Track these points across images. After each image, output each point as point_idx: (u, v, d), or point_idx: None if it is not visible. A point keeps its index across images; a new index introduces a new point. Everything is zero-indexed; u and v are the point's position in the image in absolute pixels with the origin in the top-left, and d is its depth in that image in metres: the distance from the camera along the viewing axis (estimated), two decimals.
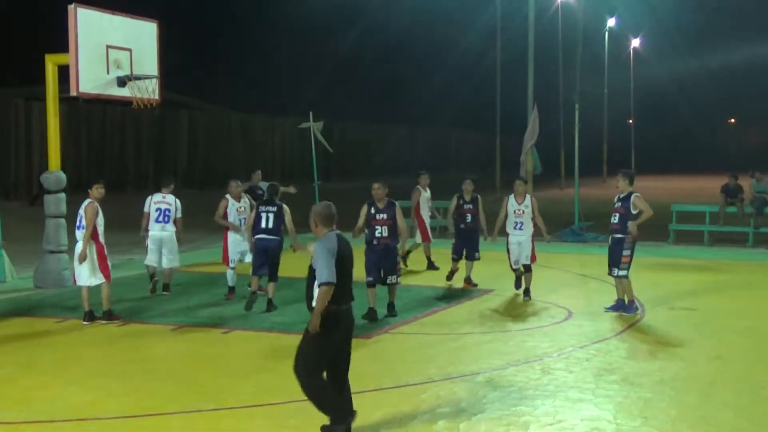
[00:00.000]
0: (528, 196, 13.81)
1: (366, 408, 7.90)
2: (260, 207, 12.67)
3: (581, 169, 24.28)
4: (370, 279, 11.90)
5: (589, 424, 7.54)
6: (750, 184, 22.33)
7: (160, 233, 13.71)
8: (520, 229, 13.68)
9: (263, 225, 12.43)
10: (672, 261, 18.01)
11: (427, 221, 17.17)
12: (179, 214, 13.83)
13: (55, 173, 14.91)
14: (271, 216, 12.50)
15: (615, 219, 12.30)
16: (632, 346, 10.37)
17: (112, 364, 9.53)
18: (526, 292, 13.59)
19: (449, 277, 15.08)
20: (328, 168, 40.67)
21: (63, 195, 15.01)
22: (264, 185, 18.63)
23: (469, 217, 14.80)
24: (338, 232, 7.13)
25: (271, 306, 12.38)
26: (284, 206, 12.66)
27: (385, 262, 11.97)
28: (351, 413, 7.12)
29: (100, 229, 11.74)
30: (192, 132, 45.69)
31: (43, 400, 8.20)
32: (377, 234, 11.97)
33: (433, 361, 9.66)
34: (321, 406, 7.08)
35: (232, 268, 13.56)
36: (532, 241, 13.77)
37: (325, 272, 6.81)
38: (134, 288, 14.39)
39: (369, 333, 11.06)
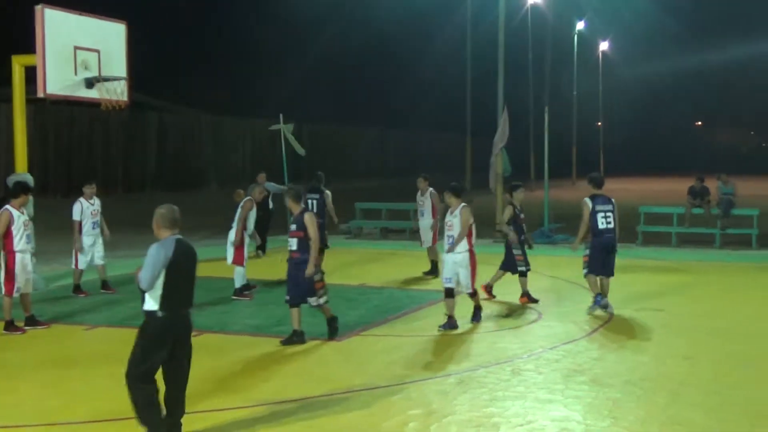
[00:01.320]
0: (459, 207, 11.69)
1: (336, 410, 7.91)
2: (307, 194, 14.71)
3: (551, 171, 24.42)
4: (287, 297, 10.71)
5: (559, 424, 7.58)
6: (716, 185, 22.58)
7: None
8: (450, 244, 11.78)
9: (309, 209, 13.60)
10: (640, 262, 18.16)
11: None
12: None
13: (22, 175, 14.73)
14: (314, 202, 15.20)
15: None
16: (601, 347, 10.44)
17: (80, 369, 9.44)
18: (476, 313, 11.98)
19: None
20: (298, 170, 40.48)
21: (30, 197, 14.82)
22: (270, 185, 19.03)
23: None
24: (179, 236, 6.94)
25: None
26: (326, 192, 15.67)
27: (304, 280, 10.54)
28: None
29: (15, 239, 11.23)
30: (161, 134, 45.38)
31: (11, 405, 8.11)
32: (288, 247, 10.81)
33: (403, 363, 9.67)
34: (141, 418, 6.87)
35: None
36: (471, 262, 11.73)
37: (145, 280, 6.79)
38: (100, 293, 14.27)
39: (340, 335, 11.05)
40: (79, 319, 12.11)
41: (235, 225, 13.91)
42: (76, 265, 13.98)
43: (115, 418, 7.73)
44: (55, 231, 19.62)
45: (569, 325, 11.71)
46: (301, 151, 22.31)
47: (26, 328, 11.29)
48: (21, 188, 11.66)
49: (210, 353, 10.04)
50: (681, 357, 9.98)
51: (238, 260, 13.80)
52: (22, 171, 14.78)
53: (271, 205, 19.80)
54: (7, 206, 11.34)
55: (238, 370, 9.35)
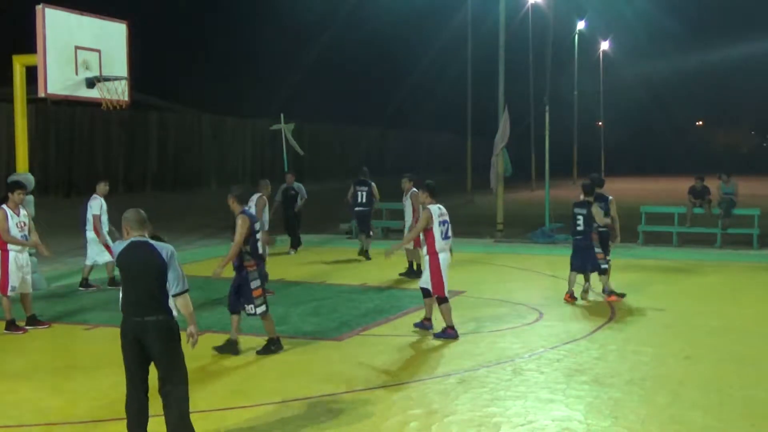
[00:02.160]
0: (426, 206, 11.26)
1: (337, 409, 7.91)
2: (356, 186, 18.08)
3: (552, 170, 24.42)
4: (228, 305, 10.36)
5: (560, 424, 7.58)
6: (717, 185, 22.58)
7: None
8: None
9: (359, 200, 17.83)
10: (641, 262, 18.16)
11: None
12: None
13: (22, 175, 14.72)
14: (364, 193, 17.99)
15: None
16: (602, 347, 10.44)
17: (80, 369, 9.44)
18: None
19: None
20: (299, 170, 40.53)
21: (31, 197, 14.82)
22: (296, 186, 19.46)
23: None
24: (137, 238, 6.75)
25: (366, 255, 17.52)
26: (372, 183, 18.22)
27: (240, 287, 10.08)
28: None
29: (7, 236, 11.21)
30: (162, 133, 45.42)
31: (12, 405, 8.11)
32: None
33: (404, 363, 9.67)
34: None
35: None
36: (431, 266, 11.04)
37: None
38: (103, 292, 14.28)
39: (339, 335, 11.06)
40: (80, 319, 12.12)
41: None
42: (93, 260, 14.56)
43: (115, 418, 7.72)
44: (56, 231, 19.62)
45: (570, 324, 11.71)
46: (300, 151, 22.34)
47: (27, 327, 11.29)
48: (11, 187, 11.58)
49: (210, 353, 10.04)
50: (682, 357, 9.98)
51: None
52: (22, 171, 14.79)
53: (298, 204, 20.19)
54: (2, 206, 11.34)
55: (239, 370, 9.34)
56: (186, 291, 6.78)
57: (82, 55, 14.44)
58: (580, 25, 58.72)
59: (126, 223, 6.82)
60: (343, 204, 19.68)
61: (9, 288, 11.22)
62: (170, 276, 6.68)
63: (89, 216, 14.62)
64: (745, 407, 8.08)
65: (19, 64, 14.55)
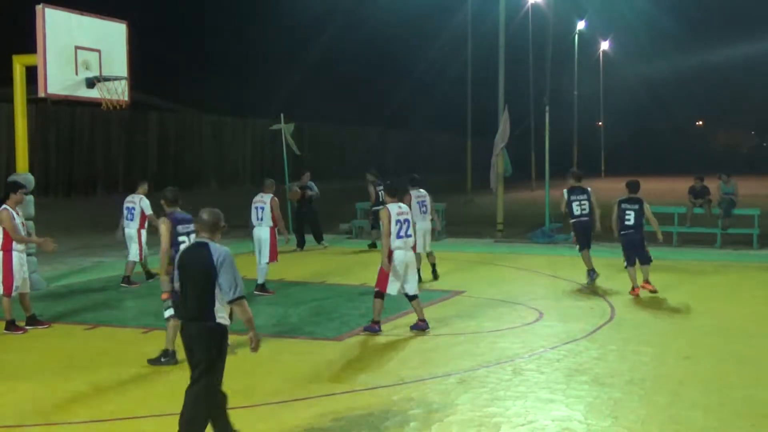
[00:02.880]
0: (386, 206, 11.39)
1: (337, 409, 7.91)
2: (375, 187, 16.66)
3: (552, 170, 24.42)
4: None
5: (560, 424, 7.58)
6: (717, 185, 22.56)
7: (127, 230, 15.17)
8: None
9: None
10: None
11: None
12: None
13: (22, 175, 14.72)
14: (381, 192, 15.18)
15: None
16: (602, 347, 10.44)
17: (80, 368, 9.44)
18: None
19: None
20: (299, 170, 40.54)
21: (31, 197, 14.84)
22: (312, 185, 19.72)
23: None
24: (201, 239, 6.79)
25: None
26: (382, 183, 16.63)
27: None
28: None
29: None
30: (162, 133, 45.41)
31: (11, 405, 8.11)
32: None
33: (404, 363, 9.67)
34: None
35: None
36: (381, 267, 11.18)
37: None
38: (105, 291, 14.28)
39: (340, 335, 11.06)
40: (80, 319, 12.12)
41: (267, 224, 14.19)
42: (141, 255, 15.04)
43: (115, 418, 7.73)
44: (56, 231, 19.62)
45: (570, 324, 11.71)
46: (297, 151, 22.36)
47: (27, 327, 11.29)
48: (11, 187, 11.57)
49: None
50: (682, 357, 9.98)
51: (273, 258, 14.16)
52: (22, 171, 14.79)
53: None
54: (6, 206, 11.33)
55: (239, 370, 9.33)
56: (241, 298, 6.54)
57: (82, 55, 14.45)
58: (580, 25, 58.78)
59: (198, 223, 6.87)
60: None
61: (13, 288, 11.24)
62: (222, 282, 6.49)
63: (136, 214, 15.02)
64: (746, 407, 8.08)
65: (19, 64, 14.55)
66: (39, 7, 13.84)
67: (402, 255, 11.09)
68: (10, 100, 15.50)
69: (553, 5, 40.90)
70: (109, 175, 41.14)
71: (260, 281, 14.11)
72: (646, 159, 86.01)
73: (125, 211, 15.18)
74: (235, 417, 7.74)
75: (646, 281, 13.94)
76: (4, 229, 11.16)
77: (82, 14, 14.68)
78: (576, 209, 15.30)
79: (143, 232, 15.10)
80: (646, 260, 14.06)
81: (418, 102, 73.43)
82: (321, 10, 62.82)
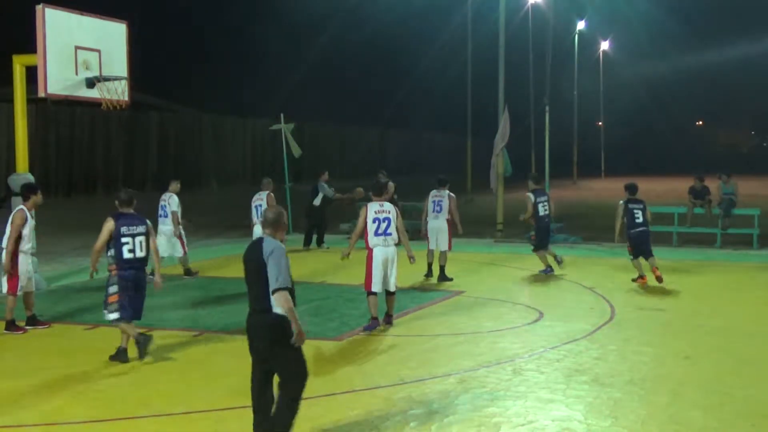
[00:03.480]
0: (365, 205, 11.93)
1: (337, 410, 7.91)
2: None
3: (552, 170, 24.41)
4: None
5: (560, 424, 7.58)
6: (717, 185, 22.57)
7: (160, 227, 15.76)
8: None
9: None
10: (641, 262, 18.14)
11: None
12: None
13: (22, 175, 14.73)
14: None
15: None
16: (602, 347, 10.44)
17: (80, 369, 9.44)
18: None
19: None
20: (299, 170, 40.57)
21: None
22: (322, 186, 20.06)
23: None
24: (261, 235, 7.01)
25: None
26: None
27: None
28: None
29: (23, 240, 11.30)
30: (162, 133, 45.42)
31: (11, 405, 8.11)
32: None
33: (404, 363, 9.67)
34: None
35: None
36: (367, 260, 11.57)
37: None
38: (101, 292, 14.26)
39: (340, 334, 11.06)
40: (80, 319, 12.12)
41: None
42: (184, 249, 15.85)
43: (115, 418, 7.73)
44: (56, 231, 19.63)
45: (570, 324, 11.71)
46: (297, 152, 22.35)
47: (27, 327, 11.29)
48: (31, 189, 11.67)
49: (210, 353, 10.05)
50: (682, 357, 9.98)
51: None
52: (23, 171, 14.79)
53: (317, 203, 20.86)
54: (22, 206, 11.39)
55: (239, 370, 9.32)
56: (283, 288, 6.63)
57: (82, 55, 14.45)
58: (580, 25, 58.73)
59: (262, 220, 7.10)
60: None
61: (18, 288, 11.27)
62: (269, 272, 6.65)
63: (168, 211, 15.67)
64: (746, 407, 8.08)
65: (19, 64, 14.56)
66: (39, 7, 13.85)
67: (382, 252, 11.40)
68: (10, 100, 15.50)
69: (553, 5, 40.78)
70: (109, 175, 41.16)
71: None
72: (646, 159, 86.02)
73: (159, 210, 15.88)
74: (235, 417, 7.75)
75: (656, 267, 14.92)
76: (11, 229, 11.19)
77: (82, 14, 14.68)
78: (541, 210, 16.31)
79: (181, 228, 15.84)
80: (651, 254, 15.16)
81: (418, 102, 73.46)
82: (321, 10, 62.84)
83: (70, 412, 7.91)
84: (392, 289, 11.57)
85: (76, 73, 14.40)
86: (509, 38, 25.29)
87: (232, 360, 9.78)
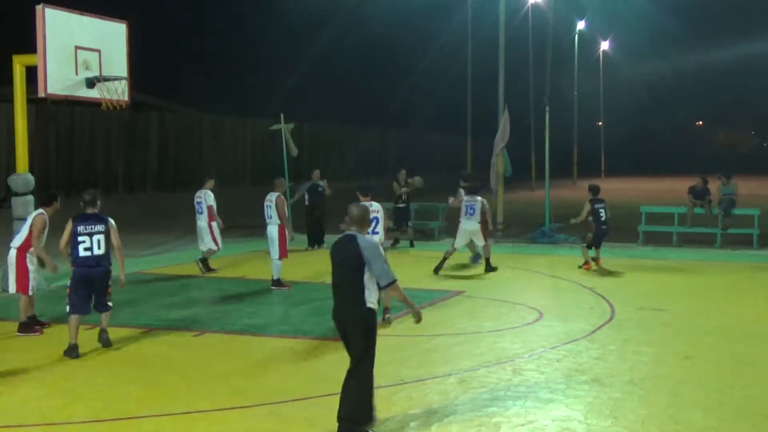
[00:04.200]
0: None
1: (337, 410, 7.90)
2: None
3: (552, 170, 24.41)
4: None
5: (560, 424, 7.58)
6: (717, 186, 22.58)
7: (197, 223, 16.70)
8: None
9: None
10: (641, 262, 18.17)
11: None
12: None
13: (22, 175, 14.74)
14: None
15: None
16: (602, 347, 10.44)
17: (80, 368, 9.44)
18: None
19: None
20: (299, 169, 40.57)
21: (31, 197, 14.84)
22: (321, 183, 20.12)
23: None
24: (350, 232, 7.39)
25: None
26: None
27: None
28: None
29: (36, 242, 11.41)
30: (162, 133, 45.42)
31: (11, 405, 8.11)
32: None
33: (404, 363, 9.67)
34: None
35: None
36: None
37: None
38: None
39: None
40: None
41: (275, 221, 14.67)
42: (217, 245, 16.46)
43: (115, 418, 7.74)
44: (55, 231, 19.61)
45: (570, 324, 11.71)
46: (294, 152, 22.32)
47: (38, 327, 11.35)
48: (53, 196, 11.70)
49: (210, 353, 10.05)
50: (682, 356, 9.98)
51: (283, 254, 14.67)
52: (22, 171, 14.79)
53: (306, 202, 20.99)
54: (42, 211, 11.39)
55: (238, 370, 9.34)
56: (393, 282, 7.17)
57: (82, 55, 14.45)
58: (580, 25, 58.75)
59: (346, 217, 7.44)
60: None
61: (30, 288, 11.31)
62: (375, 269, 7.10)
63: (204, 207, 16.40)
64: (746, 407, 8.08)
65: (19, 64, 14.56)
66: (39, 7, 13.85)
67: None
68: (10, 100, 15.50)
69: (553, 5, 40.78)
70: (109, 175, 41.17)
71: (275, 276, 14.63)
72: (646, 159, 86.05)
73: (196, 206, 16.63)
74: (234, 417, 7.76)
75: (599, 259, 17.13)
76: (30, 231, 11.28)
77: (82, 14, 14.68)
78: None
79: (214, 225, 16.41)
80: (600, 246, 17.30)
81: (418, 102, 73.44)
82: (321, 10, 62.85)
83: (70, 411, 7.91)
84: (382, 283, 11.70)
85: (76, 73, 14.40)
86: (509, 38, 25.28)
87: (232, 360, 9.78)
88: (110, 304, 10.49)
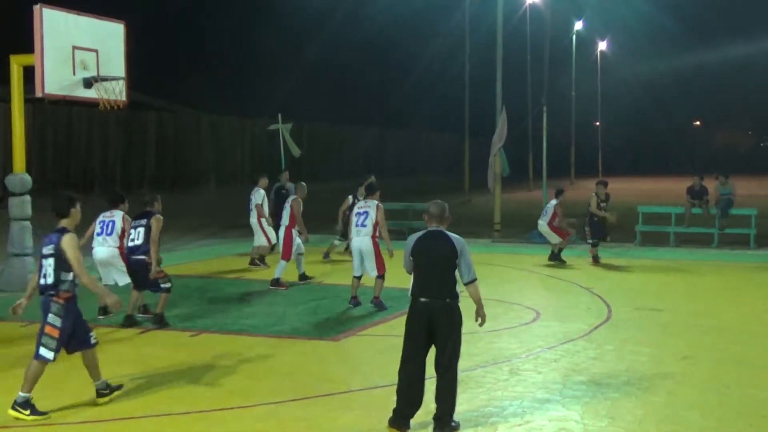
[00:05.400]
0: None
1: (336, 410, 7.92)
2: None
3: (549, 171, 24.44)
4: None
5: (557, 424, 7.59)
6: (715, 186, 22.61)
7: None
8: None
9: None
10: (638, 262, 18.19)
11: None
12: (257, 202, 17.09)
13: (19, 175, 14.75)
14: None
15: None
16: (599, 347, 10.45)
17: (80, 369, 9.43)
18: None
19: None
20: (298, 169, 40.57)
21: (28, 197, 14.85)
22: (290, 186, 20.04)
23: None
24: (434, 228, 7.60)
25: None
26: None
27: None
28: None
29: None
30: (160, 133, 45.37)
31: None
32: None
33: None
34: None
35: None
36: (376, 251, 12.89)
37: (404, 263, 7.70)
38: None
39: (337, 335, 11.07)
40: None
41: (284, 223, 14.88)
42: (269, 240, 16.97)
43: (115, 418, 7.74)
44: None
45: (567, 324, 11.72)
46: (296, 152, 22.31)
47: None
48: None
49: (209, 353, 10.06)
50: (679, 356, 9.99)
51: (286, 255, 14.79)
52: (20, 171, 14.79)
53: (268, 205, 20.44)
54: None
55: (238, 370, 9.35)
56: (474, 280, 7.59)
57: (79, 55, 14.44)
58: (578, 25, 58.75)
59: (427, 215, 7.69)
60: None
61: None
62: (462, 266, 7.49)
63: (252, 205, 16.99)
64: (744, 407, 8.09)
65: (16, 64, 14.56)
66: (37, 7, 13.84)
67: (355, 242, 12.88)
68: (7, 100, 15.50)
69: (550, 5, 40.85)
70: (106, 176, 41.12)
71: (276, 275, 14.78)
72: (643, 159, 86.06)
73: (249, 205, 17.19)
74: (234, 417, 7.76)
75: (598, 256, 17.84)
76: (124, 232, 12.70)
77: (79, 14, 14.67)
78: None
79: (264, 221, 16.98)
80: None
81: (417, 102, 73.45)
82: (321, 10, 62.83)
83: (70, 412, 7.91)
84: (372, 273, 12.79)
85: (74, 73, 14.39)
86: (507, 39, 25.32)
87: (232, 360, 9.79)
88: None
